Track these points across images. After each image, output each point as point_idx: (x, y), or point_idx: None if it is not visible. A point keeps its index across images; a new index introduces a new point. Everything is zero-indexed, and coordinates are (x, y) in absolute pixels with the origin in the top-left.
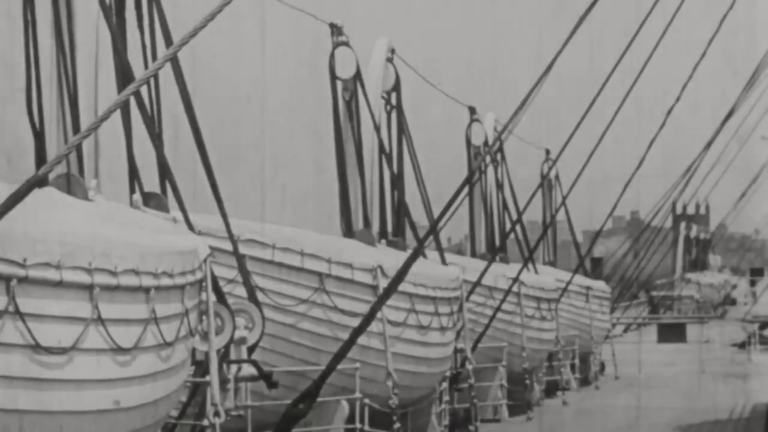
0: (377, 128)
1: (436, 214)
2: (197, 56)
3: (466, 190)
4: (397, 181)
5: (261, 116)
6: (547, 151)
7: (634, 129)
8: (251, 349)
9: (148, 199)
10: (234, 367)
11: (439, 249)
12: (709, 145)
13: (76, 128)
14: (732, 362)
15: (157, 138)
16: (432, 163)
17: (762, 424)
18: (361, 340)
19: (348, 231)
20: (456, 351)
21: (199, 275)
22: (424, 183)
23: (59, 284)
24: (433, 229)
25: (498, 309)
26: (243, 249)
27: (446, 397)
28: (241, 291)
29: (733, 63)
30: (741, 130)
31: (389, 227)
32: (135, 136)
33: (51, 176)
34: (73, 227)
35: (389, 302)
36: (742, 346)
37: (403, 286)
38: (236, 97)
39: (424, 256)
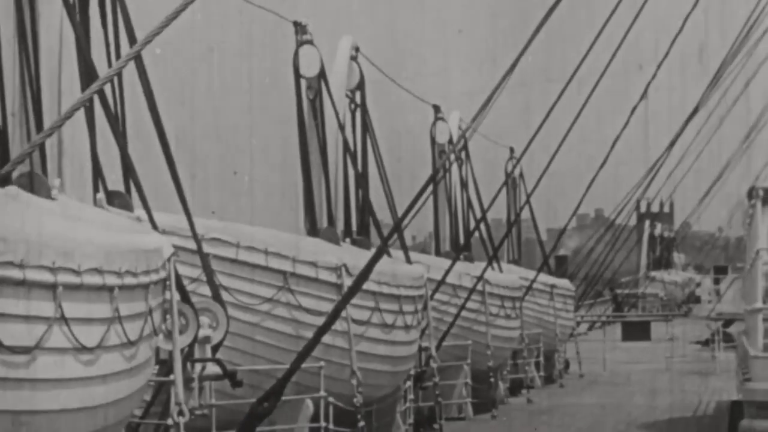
0: (341, 127)
1: (400, 212)
2: (161, 55)
3: (430, 188)
4: (362, 179)
5: (225, 115)
6: (512, 150)
7: (598, 127)
8: (215, 348)
9: (112, 198)
10: (198, 366)
11: (404, 247)
12: (672, 143)
13: (40, 127)
14: (696, 360)
15: (120, 137)
16: (396, 162)
17: (726, 421)
18: (326, 338)
19: (312, 229)
20: (420, 349)
21: (163, 274)
22: (389, 181)
23: (22, 283)
24: (398, 228)
25: (462, 307)
26: (207, 248)
27: (411, 396)
28: (206, 290)
29: (696, 62)
30: (704, 129)
31: (354, 226)
32: (98, 135)
33: (14, 175)
34: (37, 226)
35: (353, 301)
36: (706, 343)
37: (367, 285)
38: (200, 95)
39: (389, 254)
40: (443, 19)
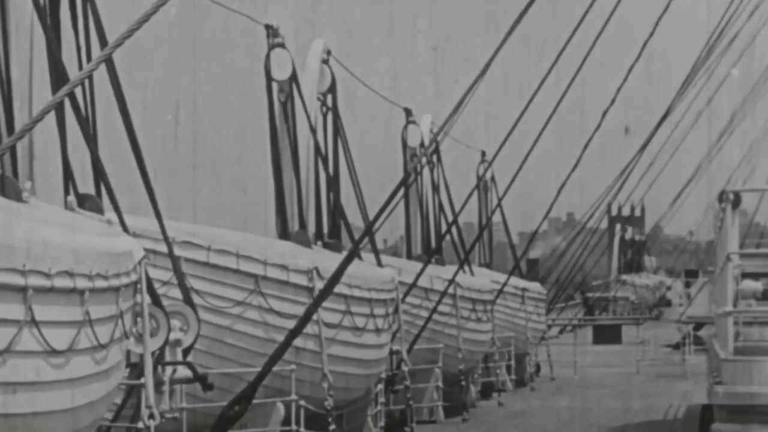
0: (313, 130)
1: (371, 215)
2: (132, 57)
3: (402, 191)
4: (333, 182)
5: (195, 117)
6: (483, 153)
7: (569, 131)
8: (186, 351)
9: (83, 201)
10: (169, 369)
11: (375, 251)
12: (644, 147)
13: (10, 129)
14: (667, 363)
15: (91, 139)
16: (368, 165)
17: (696, 425)
18: (297, 342)
19: (283, 232)
20: (392, 353)
21: (133, 277)
22: (360, 185)
23: None
24: (369, 231)
25: (434, 311)
26: (178, 251)
27: (382, 399)
28: (177, 293)
29: (667, 65)
30: (675, 133)
31: (325, 229)
32: (69, 138)
33: None
34: (7, 229)
35: (325, 304)
36: (677, 347)
37: (338, 288)
38: (171, 98)
39: (360, 257)
40: (414, 21)
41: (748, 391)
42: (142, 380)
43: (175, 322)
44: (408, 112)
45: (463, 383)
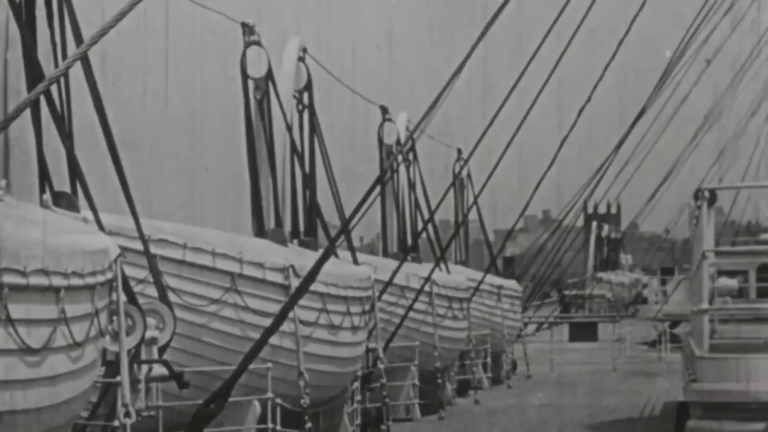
0: (289, 128)
1: (348, 213)
2: (107, 55)
3: (378, 189)
4: (309, 180)
5: (172, 115)
6: (459, 151)
7: (546, 129)
8: (162, 350)
9: (59, 199)
10: (145, 368)
11: (351, 248)
12: (620, 145)
13: None
14: (643, 361)
15: (67, 137)
16: (344, 163)
17: (672, 422)
18: (273, 339)
19: (260, 230)
20: (368, 350)
21: (109, 275)
22: (336, 182)
23: None
24: (345, 229)
25: (410, 308)
26: (154, 249)
27: (358, 397)
28: (152, 291)
29: (642, 64)
30: (651, 131)
31: (301, 227)
32: (45, 136)
33: None
34: None
35: (301, 302)
36: (652, 344)
37: (314, 286)
38: (147, 96)
39: (336, 255)
40: (391, 19)
41: (723, 388)
42: (118, 378)
43: (151, 321)
44: (384, 109)
45: (440, 381)
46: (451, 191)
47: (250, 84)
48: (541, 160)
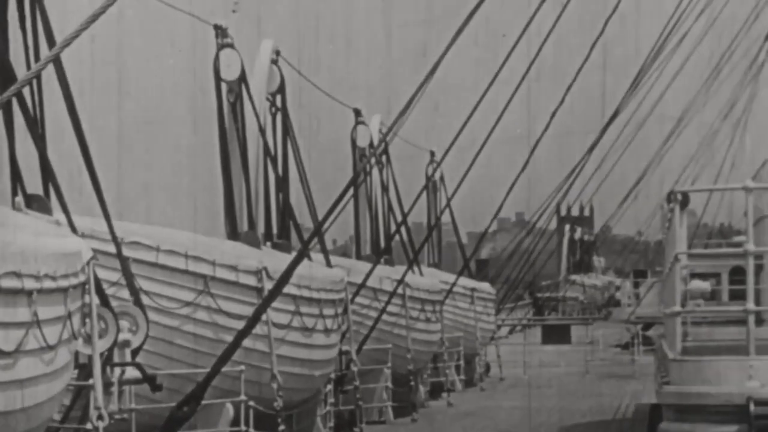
0: (262, 130)
1: (321, 216)
2: (80, 58)
3: (351, 191)
4: (282, 183)
5: (144, 118)
6: (432, 153)
7: (519, 131)
8: (135, 352)
9: (31, 202)
10: (118, 370)
11: (324, 251)
12: (593, 147)
13: None
14: (616, 363)
15: (39, 140)
16: (317, 165)
17: (645, 425)
18: (246, 342)
19: (233, 233)
20: (341, 353)
21: (82, 278)
22: (309, 185)
23: None
24: (318, 231)
25: (383, 311)
26: (127, 251)
27: (331, 399)
28: (125, 294)
29: (617, 65)
30: (624, 133)
31: (274, 229)
32: (17, 138)
33: None
34: None
35: (274, 304)
36: (625, 347)
37: (287, 289)
38: (119, 99)
39: (309, 258)
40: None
41: (695, 390)
42: (91, 381)
43: (124, 323)
44: (357, 112)
45: (413, 383)
46: (424, 194)
47: (223, 87)
48: (514, 163)
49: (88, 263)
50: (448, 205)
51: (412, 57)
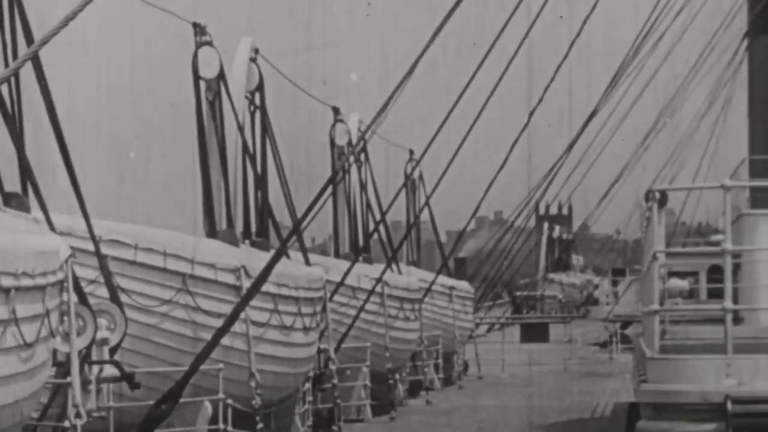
0: (241, 128)
1: (299, 214)
2: (57, 55)
3: (329, 190)
4: (261, 181)
5: (123, 116)
6: (411, 152)
7: (497, 130)
8: (113, 350)
9: (9, 199)
10: (96, 368)
11: (303, 249)
12: (571, 146)
13: None
14: (594, 362)
15: (18, 138)
16: (296, 164)
17: (623, 423)
18: (224, 340)
19: (211, 231)
20: (319, 351)
21: (60, 275)
22: (288, 183)
23: None
24: (297, 229)
25: (361, 309)
26: (105, 249)
27: (310, 398)
28: (103, 291)
29: (595, 64)
30: (602, 132)
31: (253, 227)
32: None
33: None
34: None
35: (252, 303)
36: (604, 345)
37: (266, 287)
38: (98, 96)
39: (288, 256)
40: (343, 20)
41: (673, 389)
42: (69, 379)
43: (102, 321)
44: (336, 110)
45: (391, 382)
46: (403, 192)
47: (202, 85)
48: (493, 161)
49: (66, 261)
50: (426, 203)
51: (392, 56)
